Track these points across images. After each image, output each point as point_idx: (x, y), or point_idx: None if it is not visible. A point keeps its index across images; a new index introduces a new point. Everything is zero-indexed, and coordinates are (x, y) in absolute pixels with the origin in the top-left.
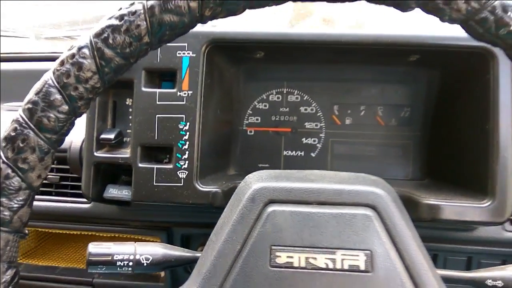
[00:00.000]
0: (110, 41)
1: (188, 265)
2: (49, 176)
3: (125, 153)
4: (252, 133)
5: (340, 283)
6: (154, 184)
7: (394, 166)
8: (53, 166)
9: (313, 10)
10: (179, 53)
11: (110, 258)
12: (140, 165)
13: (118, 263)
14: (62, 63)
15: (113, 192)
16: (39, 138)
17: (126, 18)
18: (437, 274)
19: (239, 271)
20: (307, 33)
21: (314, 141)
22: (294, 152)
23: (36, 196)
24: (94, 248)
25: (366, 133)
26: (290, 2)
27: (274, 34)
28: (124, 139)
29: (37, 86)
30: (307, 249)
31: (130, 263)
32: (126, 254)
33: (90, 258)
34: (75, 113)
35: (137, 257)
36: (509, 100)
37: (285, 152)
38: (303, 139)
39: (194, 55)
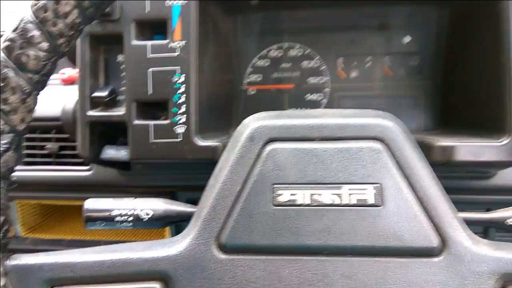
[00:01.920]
0: None
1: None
2: (48, 146)
3: (120, 111)
4: (254, 92)
5: (348, 219)
6: (152, 141)
7: (405, 118)
8: (51, 135)
9: None
10: (170, 3)
11: (108, 214)
12: (135, 122)
13: (117, 218)
14: None
15: (111, 152)
16: (19, 78)
17: None
18: (453, 208)
19: (240, 212)
20: None
21: (319, 96)
22: (298, 109)
23: (36, 166)
24: (91, 203)
25: (374, 85)
26: None
27: None
28: (118, 97)
29: (14, 22)
30: (311, 185)
31: (130, 218)
32: (125, 209)
33: (87, 214)
34: (56, 51)
35: (137, 212)
36: None
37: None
38: (307, 95)
39: (185, 2)
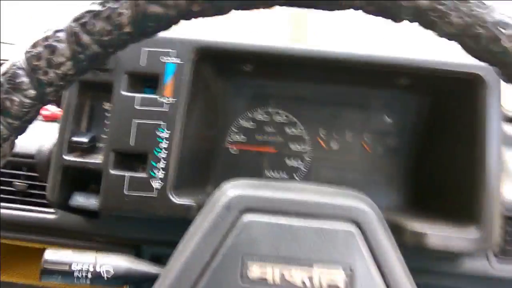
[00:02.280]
0: (89, 27)
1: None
2: (15, 183)
3: (97, 159)
4: (234, 151)
5: None
6: (125, 193)
7: (379, 194)
8: (21, 172)
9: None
10: (165, 59)
11: (67, 268)
12: (111, 171)
13: (76, 273)
14: (34, 46)
15: (80, 200)
16: None
17: (108, 4)
18: None
19: (206, 285)
20: (297, 48)
21: (299, 164)
22: (277, 173)
23: (1, 203)
24: (51, 254)
25: (353, 160)
26: (277, 6)
27: (264, 46)
28: (97, 145)
29: (4, 67)
30: (283, 263)
31: (89, 275)
32: (85, 264)
33: (45, 266)
34: (42, 100)
35: (98, 268)
36: (497, 128)
37: (268, 173)
38: (288, 161)
39: (182, 62)
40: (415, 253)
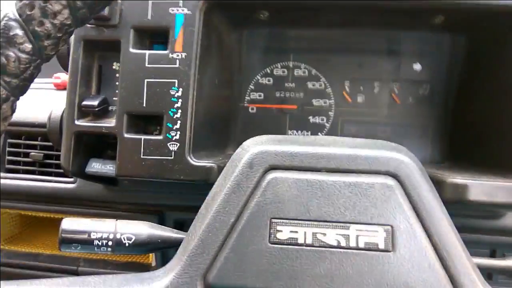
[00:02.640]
0: None
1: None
2: (32, 154)
3: (110, 122)
4: (254, 111)
5: (355, 264)
6: (142, 157)
7: (411, 148)
8: (36, 142)
9: None
10: (172, 10)
11: (86, 236)
12: (126, 135)
13: (96, 242)
14: None
15: (96, 166)
16: None
17: None
18: (470, 257)
19: (232, 248)
20: None
21: (322, 120)
22: (300, 131)
23: (18, 175)
24: (69, 223)
25: (380, 112)
26: None
27: None
28: (110, 108)
29: None
30: (315, 223)
31: (110, 243)
32: (105, 232)
33: (63, 235)
34: (40, 55)
35: (118, 236)
36: None
37: (290, 132)
38: (310, 117)
39: (190, 12)
40: (456, 208)
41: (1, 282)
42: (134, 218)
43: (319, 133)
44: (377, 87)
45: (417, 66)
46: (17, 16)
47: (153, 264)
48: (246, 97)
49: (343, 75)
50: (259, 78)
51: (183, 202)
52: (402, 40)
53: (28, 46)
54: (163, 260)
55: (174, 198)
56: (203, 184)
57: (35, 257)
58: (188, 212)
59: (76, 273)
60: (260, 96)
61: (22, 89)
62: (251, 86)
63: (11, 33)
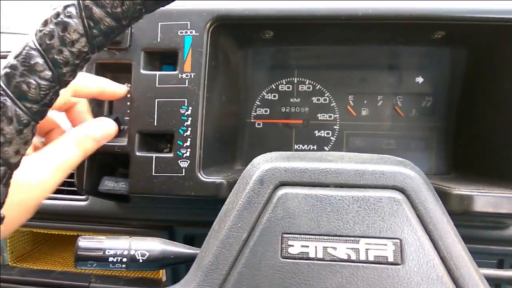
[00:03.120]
0: None
1: (190, 263)
2: None
3: (122, 141)
4: (261, 126)
5: (365, 277)
6: (153, 174)
7: (415, 160)
8: None
9: None
10: (180, 32)
11: (101, 253)
12: (138, 153)
13: (111, 259)
14: (45, 23)
15: (109, 184)
16: (17, 107)
17: None
18: (477, 268)
19: (245, 263)
20: (320, 8)
21: (328, 133)
22: (306, 145)
23: None
24: (84, 241)
25: (384, 125)
26: None
27: (284, 10)
28: (122, 127)
29: (16, 49)
30: (325, 237)
31: (124, 259)
32: (119, 249)
33: (79, 253)
34: (59, 81)
35: (132, 252)
36: None
37: (296, 146)
38: (316, 131)
39: (197, 34)
40: (462, 220)
41: None
42: (145, 233)
43: (325, 147)
44: (380, 101)
45: (419, 79)
46: (37, 46)
47: (164, 279)
48: (253, 113)
49: (346, 89)
50: (264, 94)
51: (193, 218)
52: (403, 54)
53: (48, 74)
54: (174, 275)
55: (184, 213)
56: (213, 199)
57: (48, 274)
58: (198, 227)
59: None
60: (266, 111)
61: (41, 115)
62: (257, 102)
63: (32, 62)
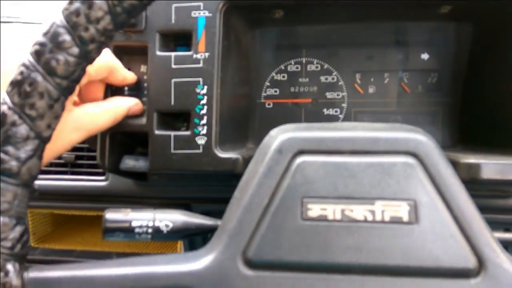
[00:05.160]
0: None
1: (208, 234)
2: (64, 155)
3: (141, 121)
4: (271, 106)
5: (381, 236)
6: (172, 152)
7: None
8: None
9: None
10: (194, 13)
11: (128, 225)
12: (156, 132)
13: (137, 229)
14: (71, 2)
15: (130, 163)
16: (47, 83)
17: None
18: (489, 228)
19: (268, 226)
20: None
21: (336, 111)
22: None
23: (51, 176)
24: (111, 214)
25: (391, 101)
26: None
27: None
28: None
29: (45, 27)
30: (343, 200)
31: (149, 230)
32: (145, 220)
33: (106, 225)
34: (86, 58)
35: (157, 223)
36: None
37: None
38: (325, 109)
39: (210, 14)
40: (470, 189)
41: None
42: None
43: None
44: (387, 78)
45: (425, 56)
46: (65, 23)
47: (179, 250)
48: (263, 93)
49: (354, 68)
50: (274, 74)
51: (209, 194)
52: (409, 30)
53: (75, 50)
54: (191, 250)
55: (200, 190)
56: (229, 175)
57: (69, 253)
58: (214, 203)
59: None
60: (276, 92)
61: (70, 90)
62: (267, 83)
63: (60, 39)
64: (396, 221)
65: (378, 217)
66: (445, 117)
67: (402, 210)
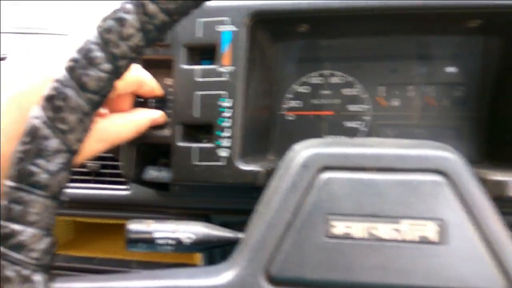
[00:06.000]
0: None
1: (228, 246)
2: (88, 164)
3: (164, 132)
4: (292, 118)
5: (408, 256)
6: (194, 163)
7: None
8: None
9: None
10: (220, 28)
11: (150, 236)
12: (180, 144)
13: (159, 241)
14: (105, 19)
15: (153, 173)
16: (79, 98)
17: None
18: None
19: (291, 242)
20: (357, 1)
21: (359, 124)
22: (337, 136)
23: (75, 184)
24: (134, 225)
25: (415, 115)
26: None
27: (321, 3)
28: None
29: (79, 43)
30: (368, 218)
31: (172, 242)
32: (167, 232)
33: (130, 236)
34: (116, 74)
35: (179, 235)
36: None
37: (326, 137)
38: (347, 122)
39: (237, 29)
40: (497, 206)
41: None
42: (184, 220)
43: (355, 137)
44: (411, 91)
45: (451, 69)
46: (98, 40)
47: (201, 265)
48: (284, 106)
49: (377, 80)
50: (296, 87)
51: (229, 206)
52: (435, 44)
53: (107, 66)
54: (210, 261)
55: (220, 202)
56: (250, 187)
57: (90, 261)
58: (234, 215)
59: None
60: (297, 104)
61: (99, 104)
62: (289, 95)
63: (92, 55)
64: (423, 241)
65: (405, 237)
66: (471, 131)
67: (429, 229)
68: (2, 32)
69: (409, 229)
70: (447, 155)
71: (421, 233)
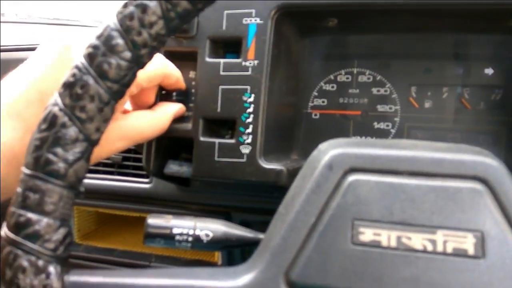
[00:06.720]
0: None
1: (247, 247)
2: (112, 156)
3: (186, 126)
4: (318, 116)
5: (442, 269)
6: (216, 159)
7: None
8: None
9: None
10: (245, 20)
11: (169, 231)
12: (201, 139)
13: (177, 237)
14: (125, 5)
15: (174, 168)
16: (99, 86)
17: None
18: None
19: (314, 247)
20: None
21: (388, 126)
22: (364, 137)
23: (98, 175)
24: (153, 219)
25: (449, 118)
26: None
27: None
28: (186, 114)
29: (99, 29)
30: (399, 226)
31: (190, 238)
32: (185, 228)
33: (148, 230)
34: (137, 62)
35: (197, 232)
36: None
37: (353, 138)
38: (375, 123)
39: (262, 22)
40: None
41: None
42: (204, 217)
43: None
44: (445, 93)
45: (489, 71)
46: (118, 27)
47: (219, 262)
48: (310, 104)
49: (409, 80)
50: (322, 84)
51: (250, 204)
52: (471, 43)
53: (128, 54)
54: (229, 259)
55: (241, 200)
56: (272, 186)
57: (111, 252)
58: (254, 214)
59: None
60: (323, 102)
61: (121, 94)
62: (315, 93)
63: (113, 42)
64: (459, 253)
65: (439, 248)
66: (508, 137)
67: (467, 241)
68: (31, 23)
69: (444, 241)
70: (488, 161)
71: (458, 245)
